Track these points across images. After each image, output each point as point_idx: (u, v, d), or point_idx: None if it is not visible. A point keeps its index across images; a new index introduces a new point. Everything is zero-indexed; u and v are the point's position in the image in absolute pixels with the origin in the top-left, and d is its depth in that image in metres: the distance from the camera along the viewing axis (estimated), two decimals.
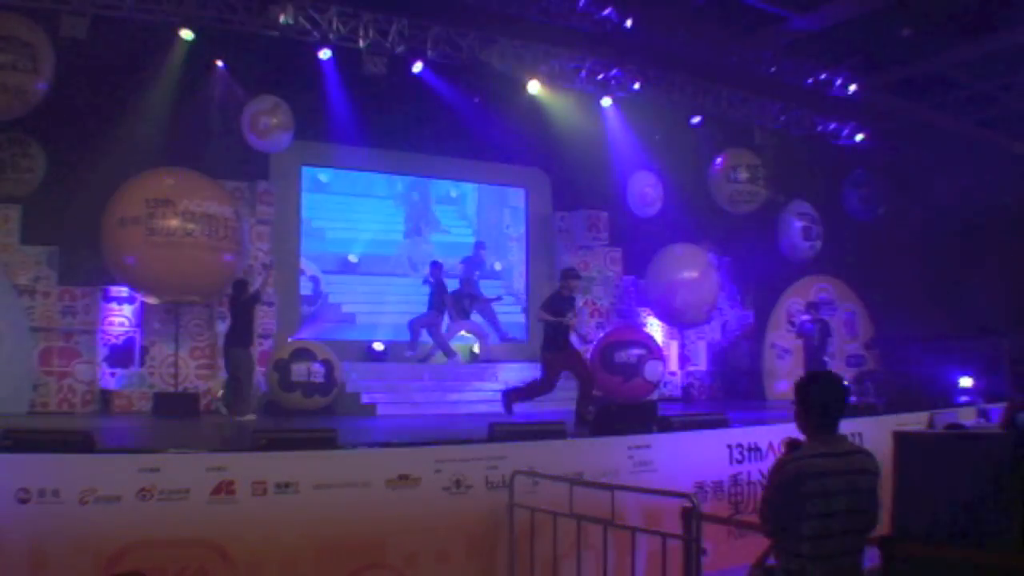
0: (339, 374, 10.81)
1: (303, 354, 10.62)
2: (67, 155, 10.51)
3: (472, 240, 14.28)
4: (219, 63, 11.28)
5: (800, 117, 14.80)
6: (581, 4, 11.38)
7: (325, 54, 11.31)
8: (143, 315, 10.81)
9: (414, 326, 12.56)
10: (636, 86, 13.18)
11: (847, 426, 8.35)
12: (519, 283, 14.38)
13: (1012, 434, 6.11)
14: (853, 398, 12.93)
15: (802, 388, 3.45)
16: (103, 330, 10.65)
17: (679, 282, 13.47)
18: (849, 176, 16.09)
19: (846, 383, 3.48)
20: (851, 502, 3.24)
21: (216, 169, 11.04)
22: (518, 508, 5.84)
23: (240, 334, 9.46)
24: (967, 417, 9.26)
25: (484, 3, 11.16)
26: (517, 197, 14.67)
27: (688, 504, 4.54)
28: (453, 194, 14.59)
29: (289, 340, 11.50)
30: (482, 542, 5.89)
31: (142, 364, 10.75)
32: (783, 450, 3.62)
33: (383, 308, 13.22)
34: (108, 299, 10.72)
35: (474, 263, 14.03)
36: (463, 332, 13.13)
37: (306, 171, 13.03)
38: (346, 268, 13.31)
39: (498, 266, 14.35)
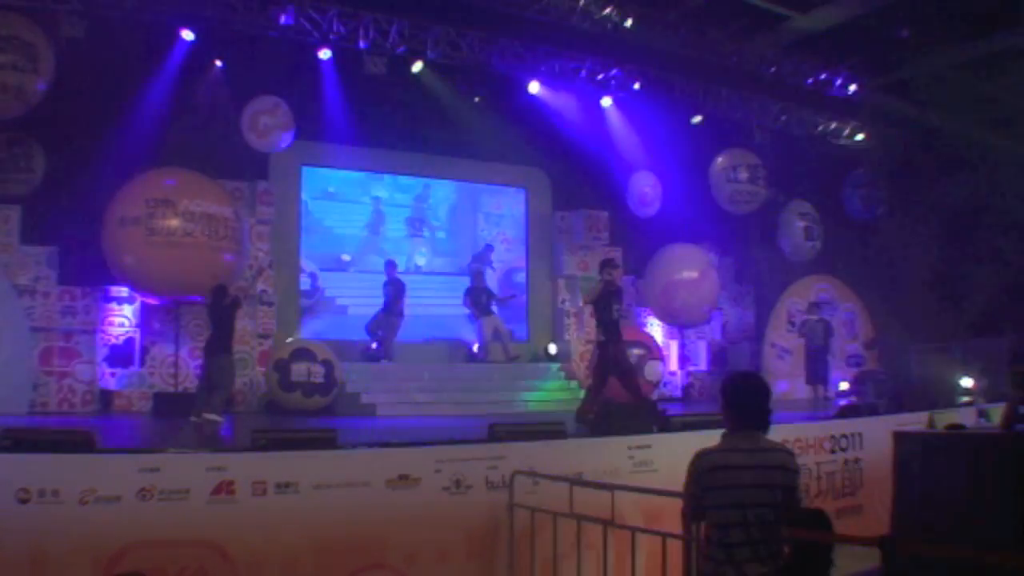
0: (339, 374, 10.82)
1: (303, 354, 10.62)
2: (67, 155, 10.50)
3: (443, 235, 14.42)
4: (218, 63, 11.27)
5: (800, 117, 14.80)
6: (581, 4, 11.39)
7: (325, 54, 11.31)
8: (143, 315, 10.81)
9: (370, 328, 12.31)
10: (636, 86, 13.18)
11: (847, 426, 8.39)
12: (491, 281, 14.43)
13: (1013, 434, 6.11)
14: (853, 398, 13.00)
15: (725, 388, 3.62)
16: (103, 330, 10.65)
17: (679, 282, 13.46)
18: (849, 176, 16.09)
19: (766, 384, 3.59)
20: (762, 495, 3.40)
21: (216, 169, 11.04)
22: (518, 508, 5.84)
23: (222, 340, 9.12)
24: (967, 417, 9.26)
25: (484, 3, 11.17)
26: (491, 203, 14.73)
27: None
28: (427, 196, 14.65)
29: (288, 340, 11.50)
30: (482, 542, 5.90)
31: (142, 364, 10.74)
32: None
33: (418, 310, 13.17)
34: (108, 299, 10.72)
35: (483, 261, 14.16)
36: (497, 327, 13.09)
37: (309, 173, 13.01)
38: (341, 266, 13.31)
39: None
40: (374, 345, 12.25)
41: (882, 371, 14.76)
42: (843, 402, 11.27)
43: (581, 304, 9.04)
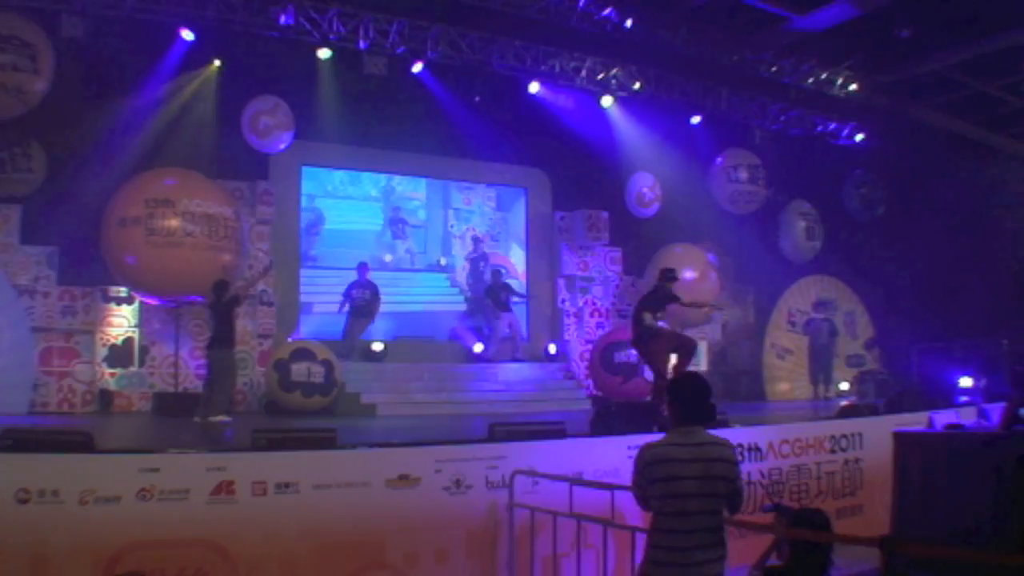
0: (339, 374, 10.81)
1: (303, 354, 10.62)
2: (67, 155, 10.50)
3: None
4: (217, 63, 11.27)
5: (800, 117, 14.80)
6: (581, 4, 11.39)
7: (325, 54, 11.31)
8: (143, 315, 10.81)
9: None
10: (636, 86, 13.18)
11: (847, 426, 8.38)
12: (461, 276, 14.48)
13: (1013, 435, 6.11)
14: (853, 398, 13.01)
15: (670, 387, 3.88)
16: (103, 330, 10.65)
17: (679, 282, 13.43)
18: (849, 176, 16.09)
19: (706, 383, 3.82)
20: (701, 486, 3.58)
21: (216, 169, 11.04)
22: (518, 508, 5.84)
23: (224, 336, 9.14)
24: (967, 417, 9.25)
25: (484, 3, 11.17)
26: (460, 199, 14.73)
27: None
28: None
29: (288, 340, 11.50)
30: (482, 542, 5.90)
31: (142, 364, 10.74)
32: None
33: (391, 307, 13.16)
34: (108, 299, 10.71)
35: (478, 259, 14.21)
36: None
37: (309, 173, 13.02)
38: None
39: (443, 261, 14.42)
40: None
41: (882, 371, 14.77)
42: (843, 402, 11.26)
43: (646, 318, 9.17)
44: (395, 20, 11.35)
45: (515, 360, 12.97)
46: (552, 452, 6.33)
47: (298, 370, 10.43)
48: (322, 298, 12.75)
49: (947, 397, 11.11)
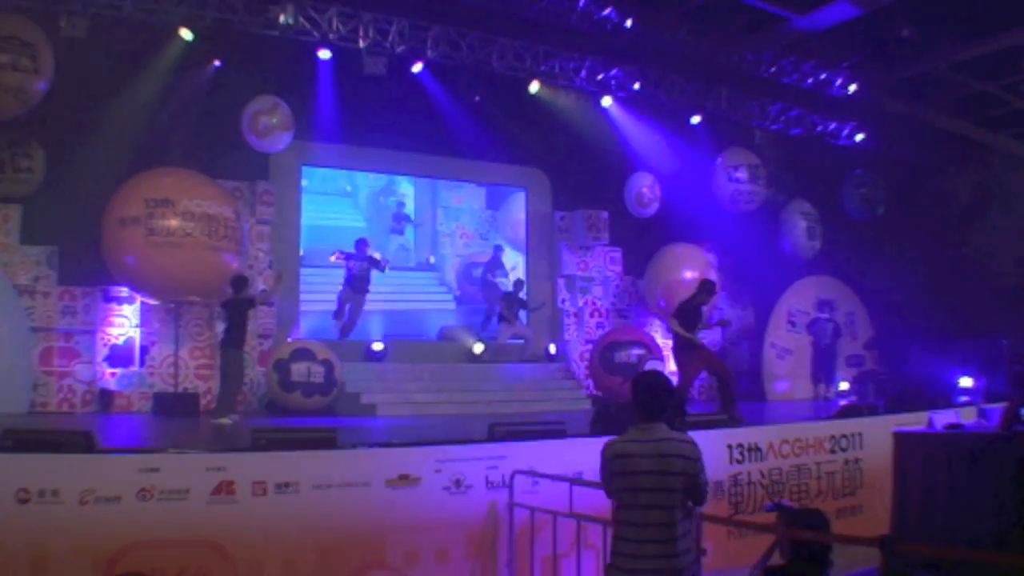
0: (339, 374, 10.81)
1: (303, 354, 10.62)
2: (67, 155, 10.51)
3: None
4: (216, 63, 11.27)
5: (800, 117, 14.80)
6: (581, 4, 11.39)
7: (325, 54, 11.30)
8: (143, 315, 10.81)
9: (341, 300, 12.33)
10: (636, 86, 13.18)
11: (847, 426, 8.39)
12: (450, 275, 14.51)
13: (1013, 435, 6.10)
14: (853, 398, 13.01)
15: (631, 385, 3.97)
16: (103, 330, 10.65)
17: (679, 282, 13.46)
18: (849, 176, 16.09)
19: (664, 382, 3.97)
20: (656, 481, 3.71)
21: (216, 169, 11.04)
22: (518, 508, 5.85)
23: (233, 336, 9.14)
24: (967, 417, 9.24)
25: (484, 3, 11.16)
26: (449, 197, 14.68)
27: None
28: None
29: (288, 340, 11.50)
30: (482, 542, 5.90)
31: (142, 364, 10.74)
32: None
33: (380, 305, 13.17)
34: (108, 299, 10.71)
35: (494, 266, 14.19)
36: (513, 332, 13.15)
37: (306, 172, 13.01)
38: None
39: (432, 259, 14.46)
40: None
41: (882, 371, 14.77)
42: (843, 402, 11.26)
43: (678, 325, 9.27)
44: (395, 20, 11.34)
45: (522, 361, 13.00)
46: (552, 452, 6.33)
47: (298, 370, 10.44)
48: (311, 296, 12.77)
49: (947, 397, 11.12)
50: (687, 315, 9.22)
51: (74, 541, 4.79)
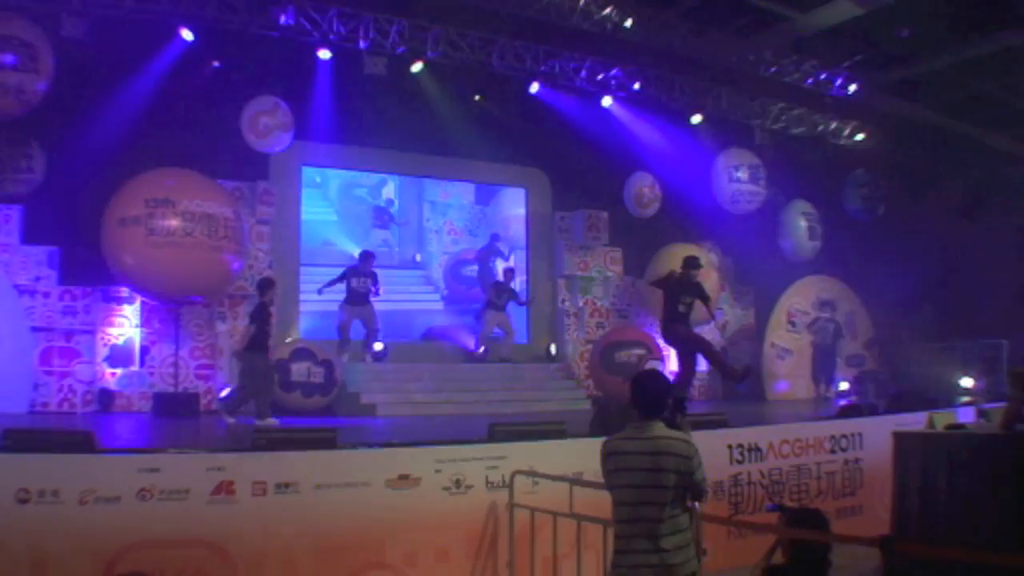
0: (339, 374, 10.81)
1: (303, 354, 10.62)
2: (67, 155, 10.51)
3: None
4: (216, 63, 11.26)
5: (801, 117, 14.80)
6: (581, 4, 11.39)
7: (325, 54, 11.30)
8: (143, 315, 10.81)
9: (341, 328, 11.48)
10: (636, 86, 13.18)
11: (847, 426, 8.39)
12: (437, 273, 14.26)
13: (1013, 434, 6.10)
14: (853, 398, 13.00)
15: (630, 384, 4.03)
16: (103, 330, 10.65)
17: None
18: (849, 176, 16.09)
19: (661, 381, 4.06)
20: (648, 478, 3.77)
21: (216, 169, 11.04)
22: (518, 508, 5.84)
23: (256, 339, 8.93)
24: (967, 417, 9.25)
25: (484, 3, 11.16)
26: (436, 191, 14.39)
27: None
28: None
29: (288, 340, 11.50)
30: (482, 542, 5.90)
31: (142, 364, 10.74)
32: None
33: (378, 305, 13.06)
34: (108, 299, 10.71)
35: (489, 253, 14.06)
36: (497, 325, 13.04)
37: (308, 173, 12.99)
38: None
39: (418, 257, 14.20)
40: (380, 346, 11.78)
41: (882, 371, 14.78)
42: (843, 402, 11.27)
43: (647, 282, 9.03)
44: (395, 20, 11.35)
45: (502, 361, 12.90)
46: (552, 452, 6.33)
47: (298, 370, 10.44)
48: (309, 297, 12.57)
49: (947, 397, 11.13)
50: (671, 291, 8.76)
51: (74, 541, 4.79)
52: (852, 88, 13.88)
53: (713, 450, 7.16)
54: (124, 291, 10.66)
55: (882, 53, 13.04)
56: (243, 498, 5.17)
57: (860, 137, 15.36)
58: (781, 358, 14.50)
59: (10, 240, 10.35)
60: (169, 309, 10.73)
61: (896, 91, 14.31)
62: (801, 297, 14.77)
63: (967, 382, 12.94)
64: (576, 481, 5.68)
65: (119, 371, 10.63)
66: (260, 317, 8.96)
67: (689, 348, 8.91)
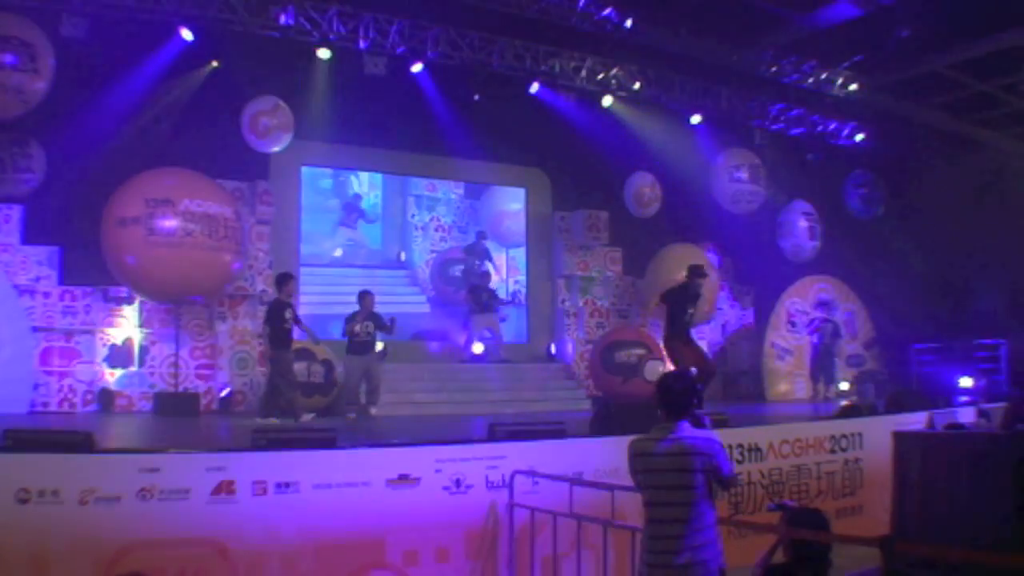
0: (339, 374, 10.81)
1: (303, 354, 10.61)
2: (67, 155, 10.51)
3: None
4: (215, 63, 11.26)
5: (800, 117, 14.80)
6: (581, 4, 11.39)
7: (325, 54, 11.30)
8: (143, 315, 10.81)
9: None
10: (636, 86, 13.18)
11: (847, 426, 8.39)
12: (423, 273, 14.03)
13: (1013, 435, 6.11)
14: (853, 398, 13.00)
15: (656, 385, 4.09)
16: (103, 330, 10.65)
17: (679, 282, 13.43)
18: (849, 176, 16.09)
19: (686, 382, 4.12)
20: (675, 478, 3.81)
21: (216, 169, 11.04)
22: (518, 508, 5.84)
23: (275, 336, 8.91)
24: (967, 417, 9.26)
25: (484, 3, 11.16)
26: (422, 184, 14.04)
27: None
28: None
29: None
30: (482, 542, 5.90)
31: (142, 364, 10.75)
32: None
33: (340, 308, 12.81)
34: (108, 299, 10.72)
35: (475, 252, 13.88)
36: (487, 328, 13.00)
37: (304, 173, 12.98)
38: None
39: (403, 256, 13.98)
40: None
41: (882, 371, 14.78)
42: (843, 402, 11.27)
43: (651, 306, 8.97)
44: (395, 20, 11.35)
45: (500, 362, 12.89)
46: (552, 452, 6.32)
47: (298, 370, 10.43)
48: (308, 299, 12.56)
49: (947, 397, 11.13)
50: (677, 302, 8.89)
51: (74, 541, 4.78)
52: (852, 88, 13.89)
53: None
54: (124, 291, 10.66)
55: (882, 53, 13.04)
56: (243, 498, 5.17)
57: (860, 137, 15.37)
58: (781, 358, 14.50)
59: (10, 240, 10.35)
60: (169, 309, 10.73)
61: (896, 91, 14.31)
62: (801, 297, 14.77)
63: (967, 382, 12.94)
64: (576, 481, 5.68)
65: (119, 371, 10.63)
66: (273, 314, 8.92)
67: (688, 363, 8.82)
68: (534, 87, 12.66)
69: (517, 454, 6.08)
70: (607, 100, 13.29)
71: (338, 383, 10.71)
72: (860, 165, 15.97)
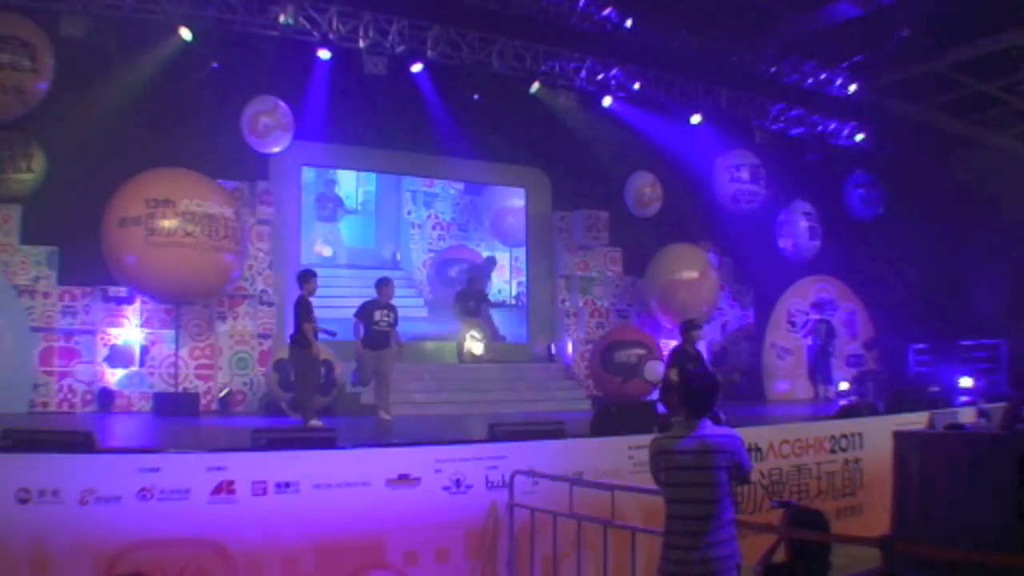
0: (339, 374, 10.80)
1: None
2: (67, 155, 10.50)
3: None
4: (215, 64, 11.26)
5: (800, 117, 14.80)
6: (581, 4, 11.40)
7: (325, 54, 11.30)
8: (143, 315, 10.81)
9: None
10: (636, 86, 13.18)
11: (847, 426, 8.39)
12: (420, 274, 13.92)
13: (1013, 435, 6.11)
14: (853, 398, 13.00)
15: (680, 384, 4.18)
16: (103, 330, 10.65)
17: (679, 282, 13.46)
18: (849, 176, 16.10)
19: (711, 382, 4.11)
20: (702, 476, 3.83)
21: (216, 169, 11.04)
22: (518, 508, 5.84)
23: (297, 335, 8.52)
24: (967, 417, 9.25)
25: (484, 3, 11.17)
26: (419, 179, 13.82)
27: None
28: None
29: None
30: (482, 542, 5.90)
31: (142, 364, 10.74)
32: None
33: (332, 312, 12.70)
34: (108, 299, 10.71)
35: (482, 274, 13.99)
36: (472, 333, 13.00)
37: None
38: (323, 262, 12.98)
39: (398, 255, 13.80)
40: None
41: (882, 371, 14.77)
42: (843, 402, 11.27)
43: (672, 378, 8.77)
44: (395, 20, 11.35)
45: (493, 361, 12.89)
46: (552, 452, 6.33)
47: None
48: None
49: (947, 397, 11.13)
50: (683, 363, 8.75)
51: (74, 541, 4.79)
52: (852, 88, 13.89)
53: None
54: (124, 291, 10.66)
55: (882, 53, 13.04)
56: (243, 498, 5.17)
57: (860, 137, 15.36)
58: (781, 358, 14.50)
59: (10, 240, 10.35)
60: (169, 309, 10.73)
61: (896, 91, 14.31)
62: (801, 297, 14.77)
63: (967, 382, 12.94)
64: (576, 481, 5.68)
65: (119, 371, 10.63)
66: (306, 313, 8.50)
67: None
68: (534, 87, 12.63)
69: (517, 454, 6.09)
70: (607, 100, 13.28)
71: (338, 383, 10.71)
72: (860, 165, 15.97)
